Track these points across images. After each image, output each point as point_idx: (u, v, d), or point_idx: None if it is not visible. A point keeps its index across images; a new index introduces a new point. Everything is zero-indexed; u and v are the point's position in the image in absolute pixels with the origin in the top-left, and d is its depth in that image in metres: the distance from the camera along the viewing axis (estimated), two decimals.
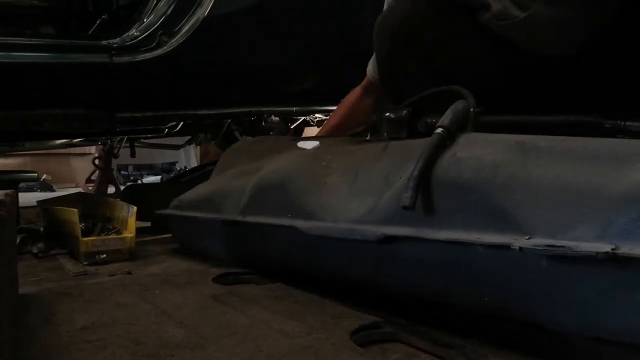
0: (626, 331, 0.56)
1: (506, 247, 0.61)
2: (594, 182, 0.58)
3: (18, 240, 1.41)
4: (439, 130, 0.76)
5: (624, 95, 1.01)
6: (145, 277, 1.15)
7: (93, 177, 3.53)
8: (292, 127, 2.33)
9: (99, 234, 1.44)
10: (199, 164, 3.92)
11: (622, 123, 0.79)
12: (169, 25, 1.65)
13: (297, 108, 2.03)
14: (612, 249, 0.52)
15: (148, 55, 1.63)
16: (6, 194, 0.66)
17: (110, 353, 0.70)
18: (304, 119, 2.35)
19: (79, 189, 3.98)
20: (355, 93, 1.46)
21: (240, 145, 1.54)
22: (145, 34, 1.63)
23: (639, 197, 0.53)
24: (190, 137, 2.56)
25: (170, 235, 1.52)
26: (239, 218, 1.08)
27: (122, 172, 6.07)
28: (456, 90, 0.86)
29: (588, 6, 0.98)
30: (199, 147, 3.78)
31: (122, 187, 3.08)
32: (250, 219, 1.06)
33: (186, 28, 1.66)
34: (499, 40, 1.08)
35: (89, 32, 1.85)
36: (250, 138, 2.16)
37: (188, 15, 1.66)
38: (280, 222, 0.97)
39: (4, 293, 0.62)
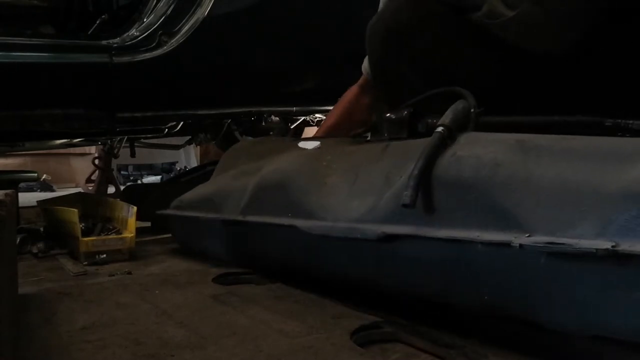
0: (626, 329, 0.56)
1: (506, 245, 0.61)
2: (594, 180, 0.58)
3: (18, 240, 1.41)
4: (440, 129, 0.76)
5: (619, 94, 1.01)
6: (145, 277, 1.15)
7: (93, 177, 3.53)
8: (292, 127, 2.33)
9: (99, 234, 1.44)
10: (199, 164, 3.92)
11: (623, 121, 0.79)
12: (169, 25, 1.65)
13: (297, 108, 2.03)
14: (613, 246, 0.52)
15: (148, 55, 1.63)
16: (6, 194, 0.66)
17: (110, 353, 0.70)
18: (304, 119, 2.35)
19: (79, 189, 3.98)
20: (352, 92, 1.46)
21: (241, 146, 1.54)
22: (145, 34, 1.63)
23: (638, 195, 0.53)
24: (190, 137, 2.56)
25: (170, 235, 1.52)
26: (240, 218, 1.08)
27: (122, 172, 6.07)
28: (457, 91, 0.86)
29: (576, 5, 0.98)
30: (199, 147, 3.78)
31: (122, 187, 3.08)
32: (251, 218, 1.06)
33: (186, 28, 1.66)
34: (490, 39, 1.08)
35: (89, 32, 1.85)
36: (250, 138, 2.16)
37: (188, 15, 1.66)
38: (281, 221, 0.97)
39: (4, 293, 0.62)
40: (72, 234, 1.36)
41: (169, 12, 1.65)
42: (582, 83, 1.02)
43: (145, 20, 1.64)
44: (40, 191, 4.81)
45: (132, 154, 2.66)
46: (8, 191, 0.69)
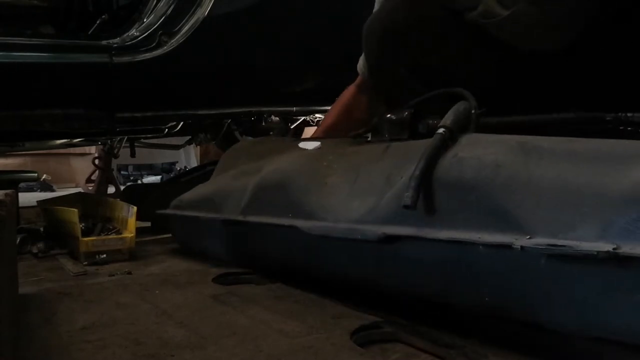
0: (626, 331, 0.56)
1: (507, 247, 0.61)
2: (595, 182, 0.58)
3: (18, 240, 1.41)
4: (441, 130, 0.76)
5: (614, 93, 1.01)
6: (145, 277, 1.15)
7: (93, 177, 3.53)
8: (292, 127, 2.33)
9: (99, 234, 1.44)
10: (199, 164, 3.92)
11: (623, 114, 0.79)
12: (169, 25, 1.65)
13: (297, 108, 2.03)
14: (614, 249, 0.52)
15: (148, 55, 1.63)
16: (6, 194, 0.66)
17: (110, 353, 0.70)
18: (304, 119, 2.35)
19: (79, 189, 3.98)
20: (349, 91, 1.46)
21: (241, 146, 1.54)
22: (145, 34, 1.63)
23: (639, 198, 0.53)
24: (190, 137, 2.56)
25: (170, 235, 1.52)
26: (240, 218, 1.08)
27: (122, 172, 6.07)
28: (458, 92, 0.86)
29: (571, 5, 0.99)
30: (199, 147, 3.78)
31: (122, 187, 3.08)
32: (251, 218, 1.06)
33: (186, 28, 1.66)
34: (487, 39, 1.08)
35: (89, 32, 1.85)
36: (250, 138, 2.16)
37: (188, 15, 1.66)
38: (281, 221, 0.97)
39: (4, 293, 0.62)
40: (72, 234, 1.36)
41: (169, 12, 1.65)
42: (578, 82, 1.02)
43: (145, 20, 1.64)
44: (40, 191, 4.81)
45: (132, 154, 2.66)
46: (8, 191, 0.69)
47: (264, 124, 2.14)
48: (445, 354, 0.67)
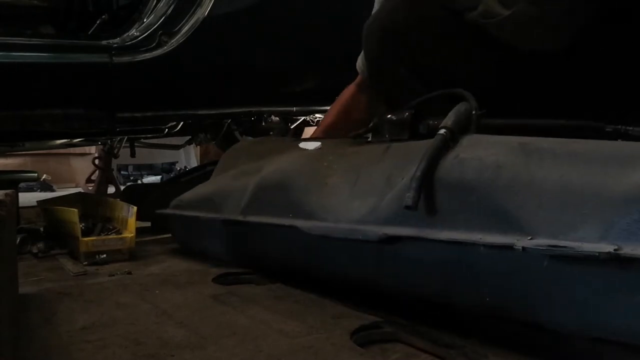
0: (626, 331, 0.56)
1: (509, 248, 0.61)
2: (596, 183, 0.58)
3: (18, 240, 1.41)
4: (442, 131, 0.77)
5: (614, 93, 1.01)
6: (145, 277, 1.15)
7: (93, 177, 3.53)
8: (292, 127, 2.33)
9: (99, 234, 1.44)
10: (199, 164, 3.92)
11: (623, 128, 0.79)
12: (169, 25, 1.65)
13: (297, 108, 2.03)
14: (615, 250, 0.52)
15: (148, 55, 1.63)
16: (6, 194, 0.66)
17: (110, 353, 0.70)
18: (304, 119, 2.35)
19: (79, 189, 3.98)
20: (349, 91, 1.46)
21: (241, 146, 1.54)
22: (145, 34, 1.63)
23: None
24: (190, 137, 2.56)
25: (170, 235, 1.52)
26: (240, 218, 1.08)
27: (122, 172, 6.07)
28: (458, 93, 0.86)
29: (571, 4, 0.99)
30: (199, 147, 3.78)
31: (122, 187, 3.08)
32: (251, 218, 1.06)
33: (186, 28, 1.66)
34: (487, 39, 1.08)
35: (89, 32, 1.85)
36: (250, 138, 2.16)
37: (188, 15, 1.66)
38: (281, 222, 0.97)
39: (4, 293, 0.62)
40: (72, 234, 1.36)
41: (169, 12, 1.65)
42: (578, 82, 1.02)
43: (145, 20, 1.64)
44: (40, 191, 4.81)
45: (132, 154, 2.66)
46: (8, 191, 0.69)
47: (264, 124, 2.14)
48: (445, 354, 0.67)
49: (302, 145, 1.18)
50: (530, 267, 0.60)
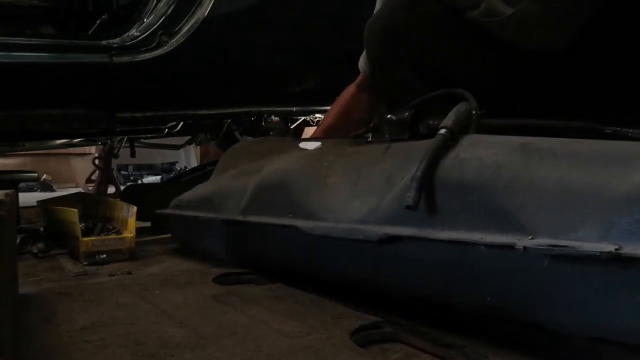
0: (627, 331, 0.56)
1: (509, 247, 0.61)
2: (597, 183, 0.58)
3: (18, 240, 1.41)
4: (443, 131, 0.77)
5: (618, 92, 1.01)
6: (145, 277, 1.15)
7: (93, 177, 3.53)
8: (292, 127, 2.33)
9: (99, 234, 1.44)
10: (199, 164, 3.93)
11: (622, 129, 0.79)
12: (169, 25, 1.65)
13: (297, 108, 2.03)
14: (616, 249, 0.52)
15: (148, 55, 1.63)
16: (6, 194, 0.66)
17: (110, 353, 0.70)
18: (304, 119, 2.35)
19: (79, 189, 3.98)
20: (349, 91, 1.46)
21: (241, 146, 1.54)
22: (145, 34, 1.63)
23: None
24: (190, 137, 2.56)
25: (170, 235, 1.52)
26: (240, 218, 1.08)
27: (122, 172, 6.07)
28: (458, 93, 0.86)
29: (575, 2, 0.98)
30: (199, 147, 3.78)
31: (122, 187, 3.08)
32: (251, 218, 1.06)
33: (186, 28, 1.66)
34: (488, 38, 1.08)
35: (89, 32, 1.85)
36: (250, 138, 2.16)
37: (188, 15, 1.66)
38: (282, 221, 0.97)
39: (4, 293, 0.62)
40: (72, 234, 1.36)
41: (169, 12, 1.65)
42: (581, 81, 1.02)
43: (145, 20, 1.64)
44: (40, 191, 4.81)
45: (132, 154, 2.66)
46: (8, 191, 0.69)
47: (264, 124, 2.14)
48: (445, 354, 0.67)
49: (302, 145, 1.18)
50: (530, 267, 0.60)
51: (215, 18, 1.68)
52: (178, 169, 6.00)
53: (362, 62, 1.39)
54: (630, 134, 0.79)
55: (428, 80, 1.11)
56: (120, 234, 1.41)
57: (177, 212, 1.33)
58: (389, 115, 0.97)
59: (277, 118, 2.18)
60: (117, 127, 1.89)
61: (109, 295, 0.99)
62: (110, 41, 1.61)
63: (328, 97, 1.82)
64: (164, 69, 1.66)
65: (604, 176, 0.58)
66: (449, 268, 0.71)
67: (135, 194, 1.98)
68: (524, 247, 0.59)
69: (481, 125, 0.82)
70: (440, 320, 0.77)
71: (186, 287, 1.04)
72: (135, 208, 1.40)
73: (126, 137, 2.53)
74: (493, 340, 0.71)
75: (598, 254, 0.53)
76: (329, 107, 1.57)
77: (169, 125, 2.11)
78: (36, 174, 2.78)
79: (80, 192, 2.58)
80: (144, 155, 3.97)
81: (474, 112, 0.82)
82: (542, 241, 0.58)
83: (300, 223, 0.92)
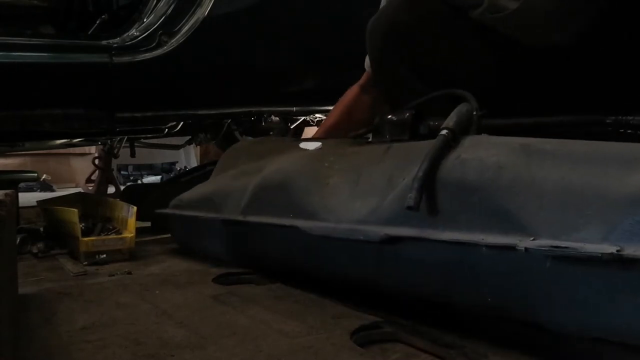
0: (627, 331, 0.56)
1: (511, 248, 0.61)
2: (599, 184, 0.58)
3: (18, 240, 1.41)
4: (444, 132, 0.77)
5: (622, 91, 1.01)
6: (145, 277, 1.15)
7: (93, 177, 3.53)
8: (292, 127, 2.33)
9: (99, 234, 1.44)
10: (199, 164, 3.92)
11: (623, 118, 0.79)
12: (169, 25, 1.65)
13: (297, 108, 2.03)
14: (617, 251, 0.52)
15: (148, 55, 1.63)
16: (6, 194, 0.66)
17: (110, 353, 0.70)
18: (304, 119, 2.35)
19: (79, 189, 3.98)
20: (352, 91, 1.46)
21: (241, 146, 1.54)
22: (145, 34, 1.63)
23: None
24: (190, 137, 2.56)
25: (170, 235, 1.52)
26: (240, 218, 1.08)
27: (122, 172, 6.08)
28: (459, 94, 0.86)
29: None
30: (199, 147, 3.78)
31: (122, 187, 3.08)
32: (251, 218, 1.06)
33: (186, 28, 1.66)
34: (491, 36, 1.08)
35: (89, 32, 1.85)
36: (250, 138, 2.16)
37: (188, 15, 1.66)
38: (282, 222, 0.97)
39: (4, 293, 0.62)
40: (72, 234, 1.36)
41: (169, 12, 1.65)
42: (584, 78, 1.02)
43: (145, 20, 1.64)
44: (40, 191, 4.81)
45: (132, 154, 2.66)
46: (8, 191, 0.69)
47: (264, 124, 2.14)
48: (445, 354, 0.67)
49: (303, 145, 1.18)
50: (532, 268, 0.60)
51: (215, 18, 1.68)
52: (178, 169, 6.00)
53: (367, 62, 1.39)
54: (631, 121, 0.78)
55: (429, 80, 1.10)
56: (120, 234, 1.41)
57: (177, 212, 1.33)
58: (389, 116, 0.97)
59: (277, 118, 2.18)
60: (117, 127, 1.89)
61: (109, 295, 0.99)
62: (110, 41, 1.61)
63: (328, 97, 1.82)
64: (163, 69, 1.66)
65: (605, 177, 0.58)
66: (450, 269, 0.71)
67: (135, 194, 1.98)
68: (526, 248, 0.59)
69: (482, 126, 0.82)
70: (440, 320, 0.77)
71: (186, 287, 1.04)
72: (135, 208, 1.40)
73: (126, 137, 2.53)
74: (493, 340, 0.71)
75: (599, 255, 0.53)
76: (329, 107, 1.57)
77: (169, 125, 2.11)
78: (36, 174, 2.78)
79: (80, 192, 2.58)
80: (144, 155, 3.97)
81: (475, 113, 0.82)
82: (544, 242, 0.58)
83: (300, 223, 0.92)
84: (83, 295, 0.99)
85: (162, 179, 5.71)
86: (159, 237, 1.66)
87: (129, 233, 1.38)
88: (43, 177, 4.93)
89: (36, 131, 1.82)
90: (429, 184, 0.72)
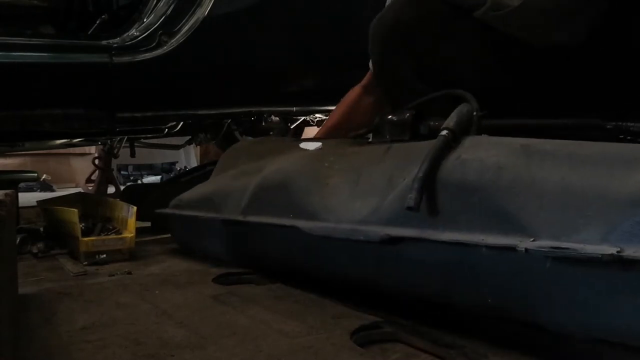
0: (627, 332, 0.56)
1: (511, 249, 0.61)
2: (599, 184, 0.58)
3: (18, 240, 1.41)
4: (444, 132, 0.77)
5: (617, 92, 1.00)
6: (145, 277, 1.15)
7: (93, 177, 3.53)
8: (292, 127, 2.33)
9: (99, 234, 1.44)
10: (199, 164, 3.92)
11: (623, 124, 0.79)
12: (169, 25, 1.65)
13: (297, 108, 2.03)
14: (618, 252, 0.52)
15: (148, 55, 1.63)
16: (6, 194, 0.66)
17: (110, 353, 0.70)
18: (304, 119, 2.35)
19: (79, 189, 3.98)
20: (354, 92, 1.46)
21: (241, 146, 1.54)
22: (145, 34, 1.63)
23: None
24: (190, 137, 2.56)
25: (170, 235, 1.52)
26: (240, 218, 1.08)
27: (122, 172, 6.08)
28: (459, 94, 0.86)
29: None
30: (199, 147, 3.78)
31: (122, 187, 3.08)
32: (252, 218, 1.06)
33: (186, 28, 1.66)
34: (492, 37, 1.07)
35: (89, 32, 1.85)
36: (250, 138, 2.16)
37: (188, 15, 1.66)
38: (282, 222, 0.97)
39: (4, 293, 0.62)
40: (72, 234, 1.36)
41: (169, 12, 1.65)
42: (585, 78, 1.01)
43: (145, 20, 1.64)
44: (40, 191, 4.81)
45: (132, 154, 2.66)
46: (8, 191, 0.69)
47: (264, 124, 2.14)
48: (445, 354, 0.67)
49: (303, 145, 1.18)
50: (532, 269, 0.60)
51: (215, 18, 1.68)
52: (178, 169, 6.00)
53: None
54: (631, 128, 0.78)
55: (430, 81, 1.10)
56: (120, 234, 1.41)
57: (177, 211, 1.33)
58: (389, 116, 0.97)
59: (277, 118, 2.18)
60: (117, 127, 1.89)
61: (109, 295, 0.99)
62: (110, 41, 1.61)
63: (328, 97, 1.82)
64: (163, 69, 1.66)
65: (605, 178, 0.58)
66: (450, 269, 0.71)
67: (135, 194, 1.98)
68: (526, 249, 0.59)
69: (482, 126, 0.82)
70: (440, 320, 0.77)
71: (186, 287, 1.04)
72: (135, 208, 1.40)
73: (126, 137, 2.53)
74: (493, 340, 0.71)
75: (600, 256, 0.53)
76: (329, 107, 1.57)
77: (169, 125, 2.11)
78: (36, 174, 2.78)
79: (80, 192, 2.58)
80: (144, 155, 3.97)
81: (475, 113, 0.82)
82: (544, 243, 0.58)
83: (300, 223, 0.92)
84: (83, 295, 0.99)
85: (162, 179, 5.71)
86: (159, 237, 1.66)
87: (129, 233, 1.38)
88: (43, 177, 4.93)
89: (36, 131, 1.82)
90: (429, 184, 0.72)
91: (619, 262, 0.52)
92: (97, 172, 3.43)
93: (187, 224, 1.34)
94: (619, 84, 1.01)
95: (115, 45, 1.61)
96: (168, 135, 2.30)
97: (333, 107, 1.61)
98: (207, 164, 2.30)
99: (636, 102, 0.98)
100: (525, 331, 0.70)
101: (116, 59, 1.60)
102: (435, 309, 0.80)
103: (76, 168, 5.62)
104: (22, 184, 2.75)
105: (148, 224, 1.80)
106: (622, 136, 0.81)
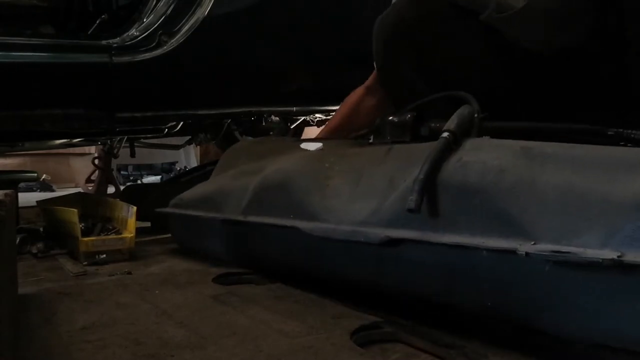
0: (630, 338, 0.56)
1: (511, 252, 0.61)
2: (600, 188, 0.58)
3: (18, 240, 1.41)
4: (446, 134, 0.77)
5: (616, 95, 1.00)
6: (145, 277, 1.15)
7: (93, 177, 3.53)
8: (292, 127, 2.33)
9: (98, 234, 1.44)
10: (199, 164, 3.92)
11: (625, 131, 0.79)
12: (169, 25, 1.65)
13: (297, 108, 2.03)
14: (618, 256, 0.52)
15: (148, 55, 1.63)
16: (6, 194, 0.66)
17: (110, 353, 0.70)
18: (304, 119, 2.35)
19: (79, 189, 3.98)
20: (357, 93, 1.46)
21: (241, 146, 1.54)
22: (145, 34, 1.63)
23: None
24: (190, 137, 2.56)
25: (170, 235, 1.52)
26: (240, 218, 1.08)
27: (122, 172, 6.07)
28: (461, 96, 0.86)
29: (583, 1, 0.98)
30: (199, 147, 3.78)
31: (122, 187, 3.08)
32: (252, 218, 1.06)
33: (186, 28, 1.66)
34: (494, 38, 1.07)
35: (89, 32, 1.85)
36: (250, 138, 2.16)
37: (188, 15, 1.66)
38: (282, 222, 0.97)
39: (4, 293, 0.62)
40: (72, 234, 1.36)
41: (169, 12, 1.65)
42: (587, 81, 1.01)
43: (145, 20, 1.64)
44: (40, 191, 4.81)
45: (132, 154, 2.66)
46: (8, 191, 0.69)
47: (264, 124, 2.14)
48: (445, 354, 0.67)
49: (304, 145, 1.18)
50: (532, 272, 0.60)
51: (215, 18, 1.68)
52: (178, 169, 6.00)
53: None
54: (632, 136, 0.78)
55: (431, 81, 1.10)
56: (120, 234, 1.41)
57: (177, 211, 1.33)
58: (390, 117, 0.97)
59: (277, 118, 2.18)
60: (117, 127, 1.89)
61: (109, 295, 0.99)
62: (110, 41, 1.61)
63: (328, 97, 1.82)
64: (163, 69, 1.66)
65: (607, 182, 0.58)
66: (450, 272, 0.71)
67: (135, 194, 1.98)
68: (526, 253, 0.59)
69: (483, 128, 0.82)
70: (440, 320, 0.77)
71: (186, 287, 1.04)
72: (135, 208, 1.40)
73: (126, 137, 2.53)
74: (493, 340, 0.71)
75: (600, 260, 0.53)
76: (329, 107, 1.57)
77: (169, 125, 2.11)
78: (36, 174, 2.78)
79: (80, 192, 2.57)
80: (144, 155, 3.97)
81: (476, 115, 0.82)
82: (544, 247, 0.58)
83: (301, 224, 0.92)
84: (83, 295, 0.99)
85: (162, 179, 5.71)
86: (159, 237, 1.66)
87: (129, 233, 1.38)
88: (43, 177, 4.93)
89: (36, 131, 1.82)
90: (430, 186, 0.72)
91: (619, 266, 0.52)
92: (96, 172, 3.43)
93: (187, 224, 1.34)
94: (618, 84, 1.01)
95: (115, 45, 1.61)
96: (168, 135, 2.30)
97: (333, 107, 1.61)
98: (207, 164, 2.30)
99: (636, 102, 0.98)
100: (525, 331, 0.70)
101: (116, 59, 1.60)
102: (435, 309, 0.80)
103: (76, 168, 5.62)
104: (21, 184, 2.75)
105: (148, 224, 1.80)
106: (622, 143, 0.81)
